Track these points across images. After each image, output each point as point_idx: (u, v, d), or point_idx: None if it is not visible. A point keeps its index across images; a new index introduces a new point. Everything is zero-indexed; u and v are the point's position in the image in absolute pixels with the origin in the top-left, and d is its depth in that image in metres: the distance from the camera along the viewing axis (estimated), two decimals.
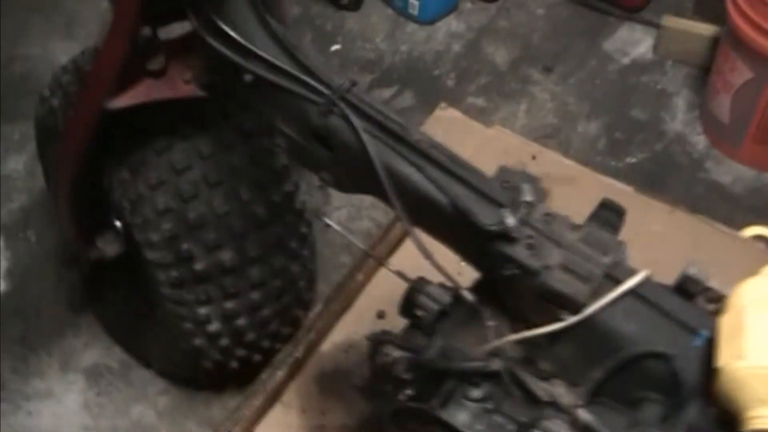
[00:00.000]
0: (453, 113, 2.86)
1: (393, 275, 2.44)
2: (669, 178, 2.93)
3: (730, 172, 2.95)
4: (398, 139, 1.56)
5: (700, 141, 3.02)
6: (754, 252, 2.46)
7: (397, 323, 1.86)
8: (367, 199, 2.69)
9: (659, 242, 2.55)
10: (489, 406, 1.53)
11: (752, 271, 1.43)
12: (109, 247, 2.15)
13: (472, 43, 3.36)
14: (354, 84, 1.59)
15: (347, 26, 3.43)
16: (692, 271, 1.52)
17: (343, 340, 2.39)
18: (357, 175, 1.60)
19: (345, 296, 2.39)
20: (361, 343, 2.35)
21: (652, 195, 2.67)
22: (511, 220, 1.47)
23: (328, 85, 1.59)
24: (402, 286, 1.80)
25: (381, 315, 2.41)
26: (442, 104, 2.88)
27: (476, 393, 1.54)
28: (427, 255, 1.56)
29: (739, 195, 2.91)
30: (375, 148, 1.54)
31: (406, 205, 1.55)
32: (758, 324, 1.31)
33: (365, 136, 1.54)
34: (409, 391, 1.61)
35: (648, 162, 2.98)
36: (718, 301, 1.50)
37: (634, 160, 2.98)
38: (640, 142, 3.03)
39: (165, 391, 2.48)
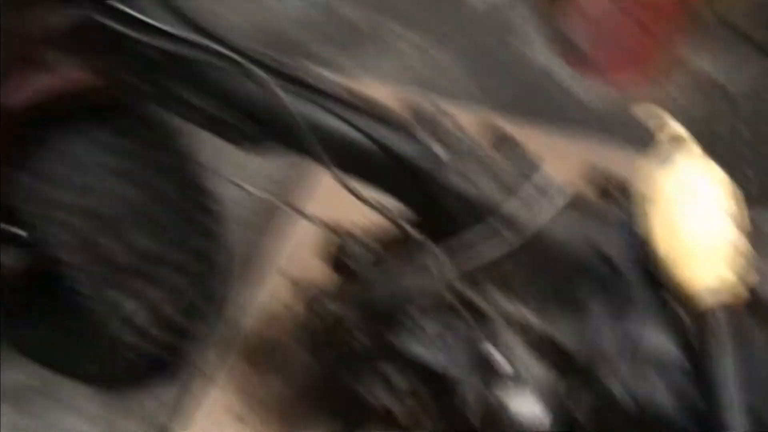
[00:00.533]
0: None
1: (299, 241, 2.49)
2: (541, 108, 3.05)
3: (595, 92, 3.10)
4: (319, 93, 1.58)
5: (563, 67, 3.15)
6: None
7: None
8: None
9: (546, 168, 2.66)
10: (443, 332, 1.58)
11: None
12: (15, 261, 2.08)
13: (328, 5, 3.39)
14: (260, 45, 1.60)
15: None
16: (598, 168, 1.62)
17: (264, 312, 2.39)
18: (281, 135, 1.61)
19: (258, 269, 2.41)
20: (283, 312, 2.37)
21: (529, 126, 2.78)
22: (441, 152, 1.52)
23: (239, 51, 1.58)
24: (310, 249, 1.82)
25: (297, 281, 2.39)
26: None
27: (428, 322, 1.59)
28: (362, 198, 1.59)
29: (610, 110, 3.06)
30: (297, 106, 1.55)
31: (331, 153, 1.57)
32: (684, 205, 1.41)
33: (286, 96, 1.55)
34: (357, 334, 1.66)
35: (519, 96, 3.08)
36: (630, 193, 1.60)
37: (506, 93, 3.08)
38: (508, 79, 3.13)
39: (94, 398, 2.41)
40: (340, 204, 2.27)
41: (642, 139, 1.56)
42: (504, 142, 1.65)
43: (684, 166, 1.47)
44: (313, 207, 2.52)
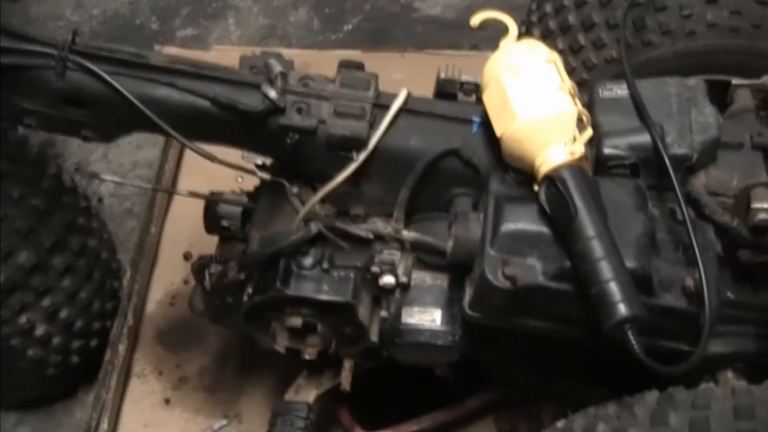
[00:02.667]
0: (169, 50, 2.87)
1: (181, 219, 2.51)
2: (388, 29, 3.09)
3: (438, 3, 3.15)
4: (140, 67, 1.58)
5: None
6: None
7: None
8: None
9: (405, 86, 2.69)
10: (325, 266, 1.63)
11: None
12: None
13: None
14: (76, 34, 1.59)
15: (33, 13, 3.32)
16: (443, 74, 1.66)
17: (164, 294, 2.42)
18: (118, 118, 1.62)
19: (148, 252, 2.41)
20: (182, 289, 2.40)
21: (380, 49, 2.82)
22: (273, 94, 1.54)
23: (52, 45, 1.57)
24: (196, 224, 1.85)
25: (187, 256, 2.45)
26: (156, 47, 2.88)
27: (308, 260, 1.63)
28: (209, 156, 1.60)
29: (455, 20, 3.12)
30: (124, 85, 1.56)
31: (176, 124, 1.58)
32: (514, 85, 1.45)
33: (110, 78, 1.55)
34: (249, 290, 1.68)
35: (364, 23, 3.12)
36: (475, 90, 1.65)
37: (351, 26, 3.11)
38: (350, 9, 3.15)
39: (21, 422, 2.40)
40: (211, 170, 2.31)
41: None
42: (344, 69, 1.68)
43: (509, 50, 1.52)
44: (185, 181, 2.57)
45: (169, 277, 2.44)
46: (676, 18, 1.88)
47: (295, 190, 1.63)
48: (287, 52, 2.75)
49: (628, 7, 1.83)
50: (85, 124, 1.65)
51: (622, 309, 1.28)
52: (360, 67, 1.70)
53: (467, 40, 2.92)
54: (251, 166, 1.73)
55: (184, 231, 2.47)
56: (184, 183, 2.56)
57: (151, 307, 2.39)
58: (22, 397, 2.34)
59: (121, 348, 2.23)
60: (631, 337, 1.28)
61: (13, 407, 2.41)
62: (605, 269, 1.31)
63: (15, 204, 1.93)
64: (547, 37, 2.05)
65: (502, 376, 2.03)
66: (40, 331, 2.05)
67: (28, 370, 2.15)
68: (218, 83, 1.58)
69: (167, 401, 2.24)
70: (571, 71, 1.99)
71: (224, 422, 2.19)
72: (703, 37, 1.89)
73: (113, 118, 1.63)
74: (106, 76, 1.56)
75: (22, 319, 2.01)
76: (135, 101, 1.55)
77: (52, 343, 2.10)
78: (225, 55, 2.82)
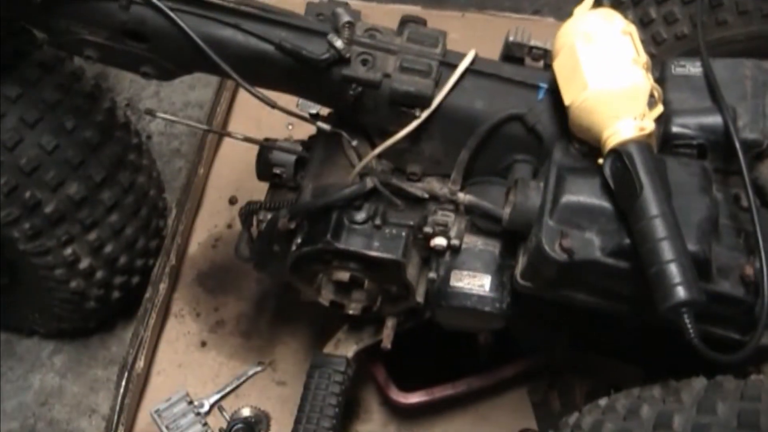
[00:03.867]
0: None
1: (230, 162, 2.50)
2: None
3: None
4: (207, 6, 1.56)
5: None
6: (553, 30, 2.58)
7: None
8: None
9: (463, 48, 2.63)
10: (377, 222, 1.60)
11: None
12: None
13: None
14: None
15: None
16: (512, 37, 1.63)
17: (207, 236, 2.42)
18: (179, 56, 1.60)
19: (194, 194, 2.41)
20: (225, 233, 2.40)
21: (440, 7, 2.78)
22: (339, 43, 1.52)
23: None
24: (244, 168, 1.82)
25: (233, 201, 2.45)
26: None
27: (361, 215, 1.61)
28: (270, 102, 1.58)
29: None
30: (188, 23, 1.54)
31: (236, 66, 1.55)
32: (588, 54, 1.42)
33: (174, 15, 1.53)
34: (298, 240, 1.67)
35: None
36: (543, 56, 1.62)
37: None
38: None
39: (58, 351, 2.44)
40: (262, 116, 2.29)
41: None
42: (408, 24, 1.65)
43: (584, 17, 1.48)
44: (235, 125, 2.55)
45: (213, 219, 2.44)
46: None
47: (353, 143, 1.61)
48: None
49: None
50: (145, 59, 1.63)
51: (681, 292, 1.25)
52: (423, 23, 1.67)
53: (530, 5, 2.86)
54: (307, 115, 1.71)
55: (231, 175, 2.47)
56: (235, 127, 2.54)
57: (193, 248, 2.39)
58: (60, 327, 2.35)
59: (162, 287, 2.24)
60: (688, 322, 1.26)
61: (51, 336, 2.43)
62: (666, 249, 1.27)
63: (67, 135, 1.93)
64: (616, 8, 2.00)
65: (538, 347, 2.02)
66: (84, 264, 2.06)
67: (69, 301, 2.16)
68: (284, 28, 1.56)
69: (203, 343, 2.25)
70: None
71: (258, 369, 2.20)
72: None
73: (175, 56, 1.61)
74: (171, 13, 1.54)
75: (68, 250, 2.02)
76: (198, 40, 1.53)
77: (95, 277, 2.11)
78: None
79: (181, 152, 2.72)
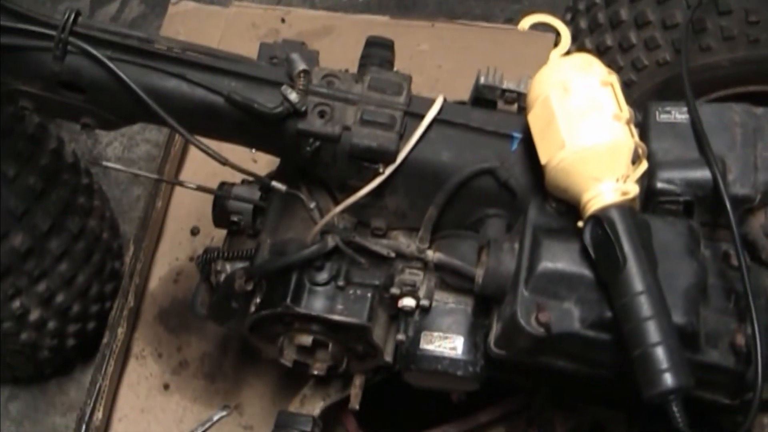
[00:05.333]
0: (187, 5, 2.69)
1: (190, 191, 2.37)
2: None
3: None
4: (147, 54, 1.44)
5: None
6: (526, 39, 2.46)
7: (215, 232, 1.76)
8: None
9: (432, 59, 2.54)
10: (340, 282, 1.49)
11: (539, 60, 1.40)
12: None
13: None
14: (78, 14, 1.44)
15: None
16: (483, 79, 1.50)
17: (168, 270, 2.28)
18: (120, 108, 1.48)
19: (153, 227, 2.27)
20: (187, 266, 2.27)
21: (409, 17, 2.65)
22: (294, 96, 1.39)
23: (51, 26, 1.42)
24: (206, 197, 1.71)
25: (195, 231, 2.32)
26: (171, 3, 2.71)
27: (323, 276, 1.50)
28: (221, 159, 1.46)
29: None
30: (129, 73, 1.41)
31: (181, 118, 1.43)
32: (564, 108, 1.29)
33: (112, 64, 1.41)
34: (257, 299, 1.55)
35: None
36: (517, 99, 1.50)
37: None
38: None
39: (13, 397, 2.33)
40: (222, 145, 2.15)
41: None
42: (374, 50, 1.55)
43: (560, 65, 1.35)
44: (195, 155, 2.42)
45: (174, 252, 2.30)
46: (740, 23, 1.71)
47: (311, 205, 1.49)
48: (311, 14, 2.64)
49: (692, 11, 1.66)
50: (84, 110, 1.51)
51: (669, 379, 1.14)
52: (389, 46, 1.57)
53: (501, 13, 2.73)
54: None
55: (192, 204, 2.33)
56: (194, 156, 2.40)
57: (154, 283, 2.26)
58: (14, 375, 2.25)
59: (120, 331, 2.11)
60: (676, 410, 1.16)
61: (5, 381, 2.32)
62: (652, 331, 1.17)
63: (9, 183, 1.80)
64: (594, 30, 1.89)
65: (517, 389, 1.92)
66: (34, 316, 1.95)
67: (20, 352, 2.05)
68: (233, 78, 1.44)
69: (166, 386, 2.13)
70: (618, 70, 1.83)
71: (224, 413, 2.08)
72: (767, 46, 1.72)
73: (115, 107, 1.49)
74: (109, 63, 1.41)
75: (16, 303, 1.90)
76: (139, 92, 1.41)
77: (46, 328, 2.00)
78: (244, 12, 2.66)
79: (139, 179, 2.59)
